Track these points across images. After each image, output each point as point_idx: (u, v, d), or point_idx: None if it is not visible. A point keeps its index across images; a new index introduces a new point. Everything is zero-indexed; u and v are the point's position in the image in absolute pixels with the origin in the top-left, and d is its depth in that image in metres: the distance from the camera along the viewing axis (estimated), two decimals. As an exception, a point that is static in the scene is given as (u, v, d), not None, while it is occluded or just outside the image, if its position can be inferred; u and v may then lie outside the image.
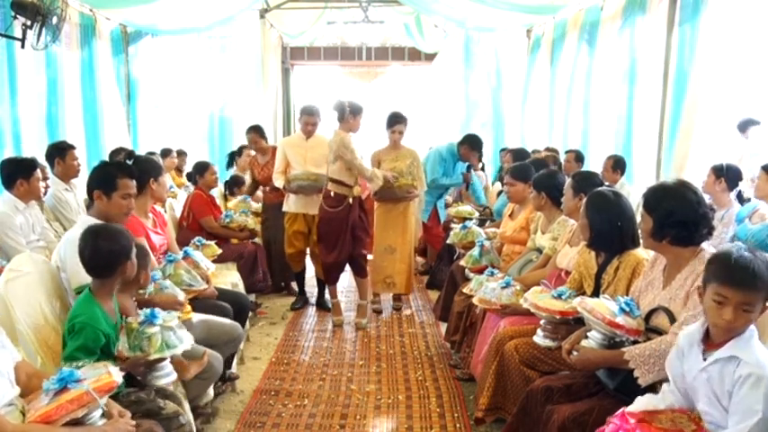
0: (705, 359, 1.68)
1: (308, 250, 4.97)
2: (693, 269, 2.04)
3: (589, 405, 2.06)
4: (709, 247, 2.10)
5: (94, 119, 5.57)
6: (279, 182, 4.74)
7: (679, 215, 2.05)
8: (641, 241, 2.59)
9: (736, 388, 1.58)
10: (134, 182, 2.81)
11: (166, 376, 2.20)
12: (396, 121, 4.65)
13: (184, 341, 2.22)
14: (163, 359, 2.16)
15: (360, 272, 4.60)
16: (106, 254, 2.13)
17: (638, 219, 2.36)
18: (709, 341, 1.71)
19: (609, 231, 2.50)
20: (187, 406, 2.40)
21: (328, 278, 4.62)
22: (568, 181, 3.09)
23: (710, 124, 4.11)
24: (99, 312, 2.12)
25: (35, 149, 4.31)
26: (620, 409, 1.80)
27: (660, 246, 2.14)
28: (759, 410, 1.53)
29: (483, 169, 6.77)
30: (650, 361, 1.97)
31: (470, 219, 5.13)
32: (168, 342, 2.15)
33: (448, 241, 4.47)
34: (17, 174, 3.50)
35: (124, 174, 2.76)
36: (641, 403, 1.83)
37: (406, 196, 4.69)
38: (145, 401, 2.09)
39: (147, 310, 2.21)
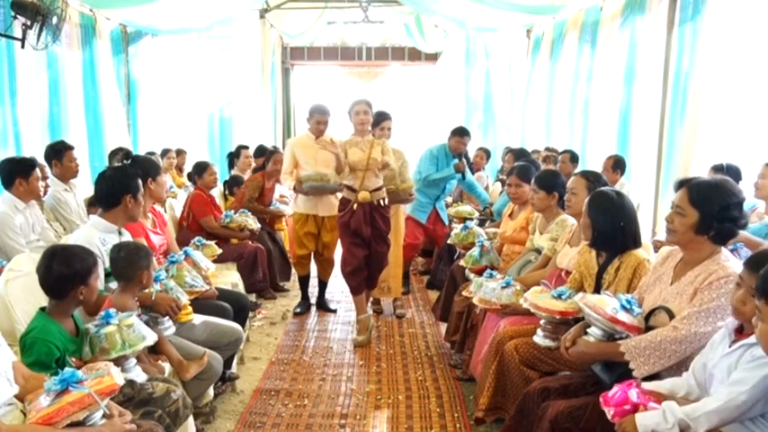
0: (731, 346, 1.72)
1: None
2: (706, 268, 2.04)
3: (584, 401, 2.07)
4: (726, 251, 2.10)
5: (96, 119, 5.58)
6: (288, 182, 4.66)
7: (732, 211, 2.05)
8: (643, 242, 2.60)
9: (744, 363, 1.63)
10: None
11: (136, 377, 2.19)
12: (382, 118, 4.46)
13: (147, 338, 2.21)
14: (125, 357, 2.16)
15: (372, 283, 4.36)
16: (56, 278, 2.09)
17: (643, 218, 2.36)
18: (740, 333, 1.74)
19: (611, 231, 2.50)
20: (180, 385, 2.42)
21: (350, 289, 4.34)
22: (582, 182, 3.04)
23: (711, 124, 4.10)
24: (53, 327, 2.09)
25: (37, 150, 4.30)
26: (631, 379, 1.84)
27: (696, 240, 2.07)
28: (746, 385, 1.59)
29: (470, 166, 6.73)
30: (646, 353, 1.98)
31: (470, 219, 5.14)
32: (128, 340, 2.15)
33: (449, 241, 4.45)
34: (16, 173, 3.51)
35: (138, 174, 2.95)
36: (651, 386, 1.86)
37: (408, 199, 4.65)
38: (133, 396, 2.09)
39: (102, 312, 2.21)
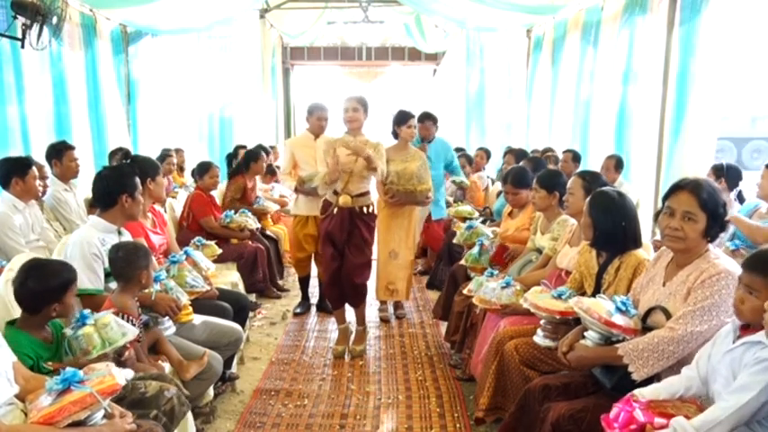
0: (734, 342, 1.72)
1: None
2: (697, 266, 2.04)
3: (585, 403, 2.07)
4: (714, 249, 2.10)
5: (99, 119, 5.59)
6: (288, 182, 4.61)
7: (725, 209, 2.06)
8: (644, 242, 2.60)
9: (749, 366, 1.62)
10: None
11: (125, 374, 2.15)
12: (410, 116, 4.38)
13: (128, 333, 2.19)
14: (106, 356, 2.13)
15: (350, 299, 3.97)
16: (30, 294, 2.06)
17: (642, 218, 2.36)
18: (746, 329, 1.74)
19: (613, 231, 2.49)
20: (177, 381, 2.41)
21: (329, 301, 4.17)
22: (579, 181, 3.03)
23: (711, 124, 4.11)
24: (21, 338, 2.05)
25: (43, 149, 4.29)
26: (627, 395, 1.82)
27: (700, 243, 2.06)
28: (753, 392, 1.58)
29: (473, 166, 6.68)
30: (644, 355, 1.98)
31: (470, 218, 5.13)
32: (108, 338, 2.13)
33: (454, 241, 4.34)
34: (12, 173, 3.51)
35: (135, 173, 2.92)
36: (648, 391, 1.86)
37: (424, 201, 4.46)
38: (125, 396, 2.07)
39: (77, 314, 2.18)
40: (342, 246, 3.81)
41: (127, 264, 2.50)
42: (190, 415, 2.35)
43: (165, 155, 5.79)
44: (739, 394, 1.60)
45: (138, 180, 2.89)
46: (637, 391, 1.84)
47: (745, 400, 1.58)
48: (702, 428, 1.62)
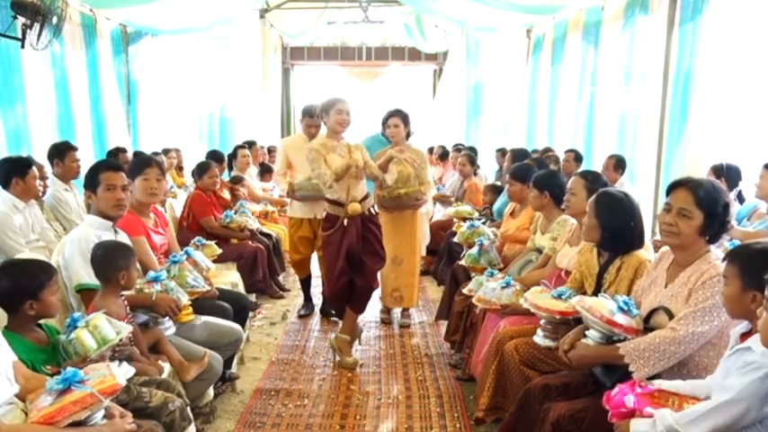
0: (731, 350, 1.72)
1: (314, 255, 4.70)
2: (698, 268, 2.04)
3: (586, 403, 2.07)
4: (715, 250, 2.10)
5: (101, 119, 5.60)
6: (282, 185, 4.57)
7: (729, 210, 2.06)
8: (646, 242, 2.60)
9: (735, 369, 1.62)
10: (120, 174, 2.77)
11: (126, 373, 2.10)
12: (388, 115, 4.19)
13: (122, 331, 2.16)
14: (102, 356, 2.09)
15: (355, 305, 3.77)
16: (3, 292, 2.02)
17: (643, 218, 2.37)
18: (745, 337, 1.73)
19: (621, 231, 2.49)
20: (180, 387, 2.39)
21: (335, 311, 4.07)
22: (581, 182, 3.00)
23: (712, 124, 4.11)
24: (15, 341, 2.01)
25: (47, 149, 4.30)
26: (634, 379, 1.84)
27: (697, 242, 2.07)
28: (734, 391, 1.57)
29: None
30: (645, 355, 1.98)
31: (470, 218, 5.12)
32: (103, 338, 2.09)
33: (455, 239, 4.31)
34: (12, 173, 3.50)
35: (104, 167, 2.79)
36: (670, 384, 1.86)
37: (414, 204, 4.26)
38: (128, 402, 2.04)
39: (68, 318, 2.14)
40: (358, 255, 3.62)
41: (105, 263, 2.42)
42: (182, 397, 2.33)
43: (153, 153, 5.77)
44: (720, 393, 1.61)
45: (103, 175, 2.72)
46: (657, 381, 1.85)
47: (724, 399, 1.58)
48: (681, 420, 1.63)
